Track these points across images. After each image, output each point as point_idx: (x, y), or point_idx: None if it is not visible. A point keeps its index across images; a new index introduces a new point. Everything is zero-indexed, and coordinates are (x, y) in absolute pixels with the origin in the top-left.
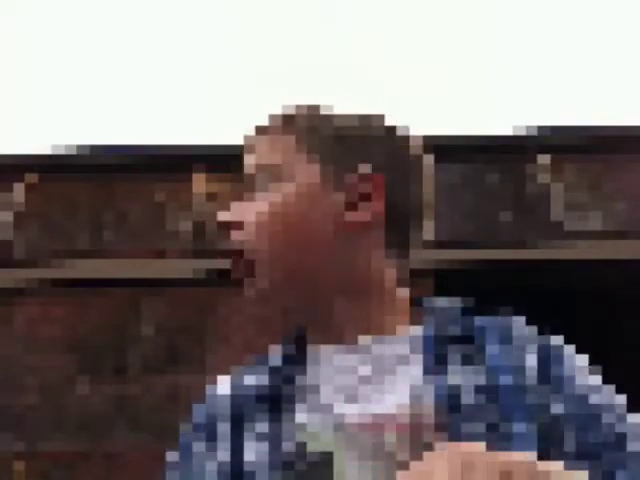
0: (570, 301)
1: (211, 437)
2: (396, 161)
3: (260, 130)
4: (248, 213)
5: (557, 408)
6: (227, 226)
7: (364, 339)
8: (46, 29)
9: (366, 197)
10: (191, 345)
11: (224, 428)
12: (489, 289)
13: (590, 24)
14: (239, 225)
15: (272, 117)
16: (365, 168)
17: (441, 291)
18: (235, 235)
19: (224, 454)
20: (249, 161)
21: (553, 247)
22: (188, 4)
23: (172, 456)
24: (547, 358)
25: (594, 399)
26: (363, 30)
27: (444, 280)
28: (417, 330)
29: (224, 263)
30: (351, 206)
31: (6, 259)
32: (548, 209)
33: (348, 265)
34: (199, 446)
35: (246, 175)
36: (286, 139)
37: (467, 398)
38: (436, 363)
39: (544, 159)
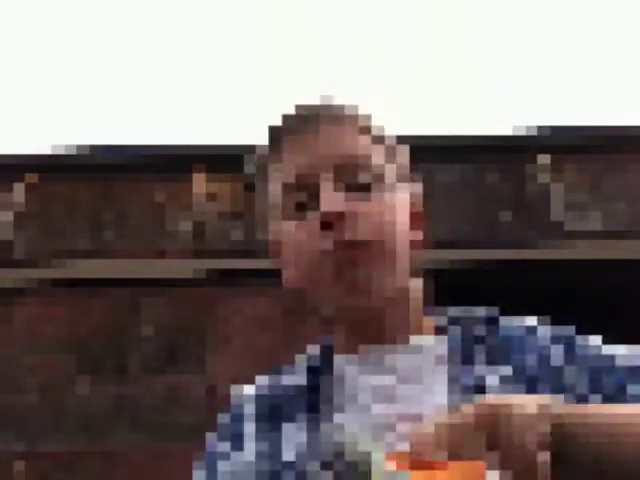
0: (570, 301)
1: (241, 438)
2: None
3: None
4: (374, 208)
5: (582, 388)
6: (348, 216)
7: (404, 339)
8: (46, 29)
9: (419, 217)
10: (191, 345)
11: (262, 427)
12: (489, 289)
13: (590, 24)
14: (363, 217)
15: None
16: (418, 187)
17: (441, 291)
18: (364, 227)
19: (262, 453)
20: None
21: (553, 247)
22: (188, 5)
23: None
24: (573, 342)
25: (619, 360)
26: (363, 30)
27: (444, 280)
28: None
29: (224, 263)
30: (415, 223)
31: (6, 259)
32: (548, 209)
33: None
34: (225, 446)
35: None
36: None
37: (492, 382)
38: (463, 363)
39: (544, 159)
